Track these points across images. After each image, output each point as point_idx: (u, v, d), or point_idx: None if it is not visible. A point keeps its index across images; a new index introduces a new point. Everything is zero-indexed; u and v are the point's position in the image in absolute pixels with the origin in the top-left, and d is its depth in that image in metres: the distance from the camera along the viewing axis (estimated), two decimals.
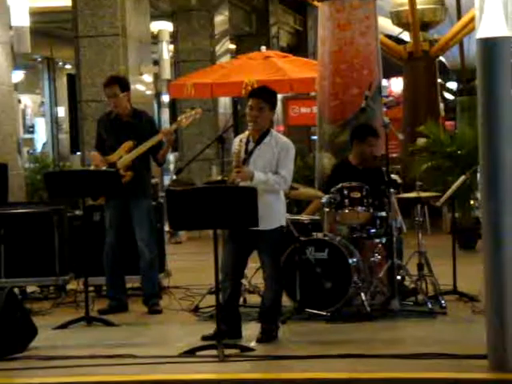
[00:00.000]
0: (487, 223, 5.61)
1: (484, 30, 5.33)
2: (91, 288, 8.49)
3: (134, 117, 8.19)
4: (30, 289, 9.16)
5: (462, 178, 8.87)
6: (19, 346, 6.55)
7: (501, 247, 5.50)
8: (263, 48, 15.06)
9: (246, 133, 6.87)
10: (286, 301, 7.46)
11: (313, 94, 13.96)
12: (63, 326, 7.46)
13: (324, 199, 7.91)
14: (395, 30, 17.72)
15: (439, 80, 17.12)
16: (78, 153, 15.75)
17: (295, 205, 11.18)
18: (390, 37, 16.80)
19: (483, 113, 5.61)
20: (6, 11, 11.76)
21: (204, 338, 6.68)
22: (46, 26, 17.35)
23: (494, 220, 5.52)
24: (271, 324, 6.80)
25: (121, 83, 8.17)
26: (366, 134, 8.09)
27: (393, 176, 8.17)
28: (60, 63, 20.81)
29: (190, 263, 11.00)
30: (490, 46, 5.39)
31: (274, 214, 6.72)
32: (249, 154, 6.78)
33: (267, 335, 6.73)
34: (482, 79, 5.55)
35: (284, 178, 6.74)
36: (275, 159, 6.74)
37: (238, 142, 6.83)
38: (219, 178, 7.39)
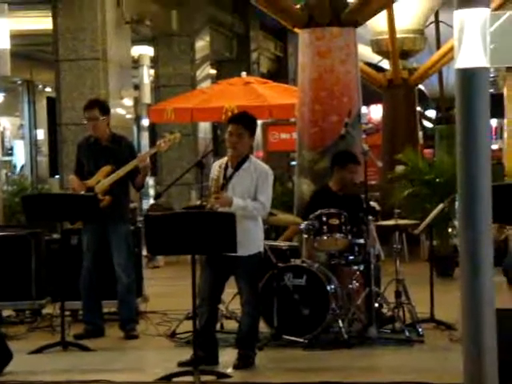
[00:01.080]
0: (465, 251, 5.62)
1: (463, 60, 5.37)
2: (67, 312, 8.43)
3: (113, 141, 8.18)
4: (5, 313, 9.08)
5: (440, 206, 8.91)
6: None
7: (478, 275, 5.51)
8: (244, 74, 15.12)
9: (225, 158, 6.88)
10: (263, 327, 7.44)
11: (292, 120, 14.01)
12: (39, 351, 7.39)
13: (302, 225, 7.91)
14: (375, 58, 17.85)
15: (418, 108, 17.23)
16: (57, 176, 15.70)
17: (274, 231, 11.18)
18: (369, 64, 16.91)
19: (461, 142, 5.63)
20: None
21: (180, 364, 6.64)
22: (26, 49, 17.34)
23: (472, 248, 5.53)
24: (248, 350, 6.78)
25: (101, 107, 8.17)
26: (347, 160, 8.12)
27: (371, 203, 8.20)
28: (40, 86, 20.79)
29: (168, 288, 10.96)
30: (468, 75, 5.43)
31: (252, 239, 6.72)
32: (227, 179, 6.79)
33: (244, 361, 6.71)
34: (461, 108, 5.59)
35: (263, 205, 6.74)
36: (254, 185, 6.74)
37: (216, 168, 6.83)
38: (198, 202, 7.39)
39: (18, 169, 20.43)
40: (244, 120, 6.90)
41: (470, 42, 5.25)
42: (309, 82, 8.97)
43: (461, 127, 5.63)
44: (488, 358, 5.43)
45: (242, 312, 6.94)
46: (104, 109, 8.18)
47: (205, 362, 6.56)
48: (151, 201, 18.27)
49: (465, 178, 5.67)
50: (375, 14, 10.10)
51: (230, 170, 6.82)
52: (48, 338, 7.79)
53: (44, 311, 8.96)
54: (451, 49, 13.75)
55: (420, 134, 17.85)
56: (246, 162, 6.81)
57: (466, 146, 5.62)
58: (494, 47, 5.62)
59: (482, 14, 5.12)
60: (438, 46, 17.01)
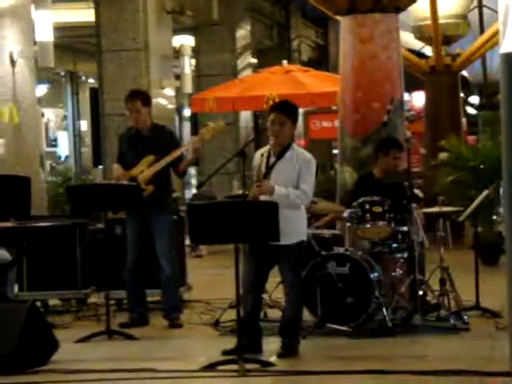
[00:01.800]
0: (510, 239, 5.55)
1: (508, 45, 5.29)
2: (112, 301, 8.49)
3: (155, 131, 8.21)
4: (51, 302, 9.18)
5: (485, 192, 8.82)
6: (41, 359, 6.56)
7: None
8: (285, 62, 15.08)
9: (267, 147, 6.86)
10: (307, 315, 7.43)
11: (334, 108, 13.96)
12: (84, 340, 7.46)
13: (345, 214, 7.88)
14: (417, 45, 17.70)
15: (461, 94, 17.06)
16: (100, 166, 15.82)
17: (316, 219, 11.14)
18: (412, 51, 16.77)
19: (506, 127, 5.56)
20: (31, 26, 11.86)
21: (225, 353, 6.65)
22: (69, 41, 17.47)
23: None
24: (292, 339, 6.77)
25: (143, 98, 8.20)
26: (391, 146, 8.08)
27: (415, 191, 8.13)
28: (83, 77, 20.93)
29: (211, 277, 11.00)
30: None
31: (294, 228, 6.70)
32: (270, 168, 6.77)
33: (288, 350, 6.71)
34: (506, 94, 5.51)
35: (305, 193, 6.71)
36: (296, 174, 6.71)
37: (259, 157, 6.82)
38: (240, 192, 7.40)
39: (63, 159, 20.60)
40: (286, 108, 6.87)
41: None
42: (351, 69, 8.92)
43: (505, 113, 5.56)
44: None
45: (285, 301, 6.93)
46: (146, 99, 8.20)
47: (249, 350, 6.56)
48: (193, 190, 18.34)
49: (510, 164, 5.59)
50: (417, 0, 10.01)
51: (272, 159, 6.80)
52: (93, 327, 7.86)
53: (89, 300, 9.05)
54: (495, 34, 13.59)
55: (463, 120, 17.66)
56: (289, 150, 6.78)
57: (510, 133, 5.55)
58: None
59: None
60: (482, 31, 16.81)
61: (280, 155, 6.77)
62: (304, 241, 6.85)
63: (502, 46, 5.37)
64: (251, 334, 6.74)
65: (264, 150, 6.87)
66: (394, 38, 8.96)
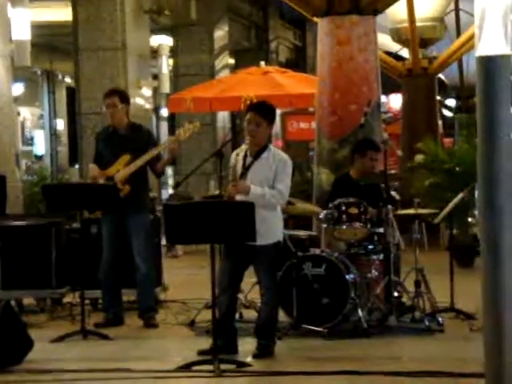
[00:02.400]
0: (485, 241, 5.59)
1: (484, 48, 5.33)
2: (87, 301, 8.46)
3: (132, 130, 8.20)
4: (26, 301, 9.13)
5: (460, 195, 8.87)
6: (16, 359, 6.52)
7: (499, 265, 5.48)
8: (262, 63, 15.10)
9: (243, 147, 6.86)
10: (282, 316, 7.44)
11: (311, 109, 13.98)
12: (59, 339, 7.43)
13: (321, 215, 7.90)
14: (394, 47, 17.77)
15: (438, 97, 17.16)
16: (77, 165, 15.75)
17: (292, 220, 11.16)
18: (389, 53, 16.84)
19: (482, 130, 5.60)
20: (7, 24, 11.78)
21: (200, 353, 6.65)
22: (46, 39, 17.39)
23: (493, 238, 5.50)
24: (268, 340, 6.78)
25: (121, 95, 8.23)
26: (367, 147, 8.11)
27: (391, 193, 8.16)
28: (59, 76, 20.84)
29: (187, 277, 10.98)
30: (489, 63, 5.39)
31: (270, 228, 6.71)
32: (246, 168, 6.77)
33: (264, 351, 6.71)
34: (482, 97, 5.55)
35: (281, 193, 6.72)
36: (273, 174, 6.73)
37: (234, 156, 6.83)
38: (217, 192, 7.40)
39: (38, 157, 20.49)
40: (262, 108, 6.88)
41: (491, 30, 5.21)
42: (328, 71, 8.95)
43: (481, 116, 5.60)
44: (509, 348, 5.41)
45: (261, 302, 6.93)
46: (123, 97, 8.21)
47: (224, 350, 6.56)
48: (170, 190, 18.31)
49: (485, 167, 5.63)
50: (395, 2, 10.06)
51: (249, 159, 6.81)
52: (68, 327, 7.83)
53: (64, 300, 9.01)
54: (471, 37, 13.66)
55: (440, 123, 17.75)
56: (266, 151, 6.80)
57: (486, 135, 5.58)
58: None
59: (503, 0, 5.07)
60: (458, 34, 16.90)
61: (256, 155, 6.78)
62: (280, 241, 6.86)
63: (477, 49, 5.40)
64: (227, 334, 6.74)
65: (240, 150, 6.88)
66: (371, 40, 9.00)
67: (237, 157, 6.80)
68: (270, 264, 6.78)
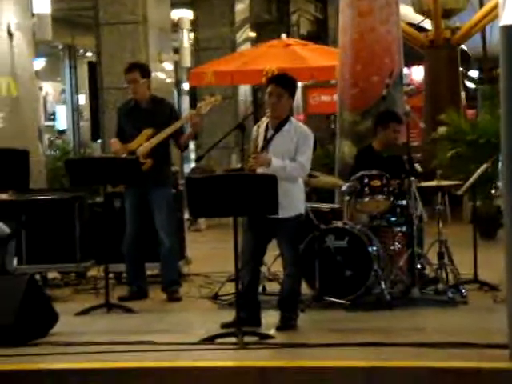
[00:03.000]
0: (509, 213, 5.57)
1: (508, 18, 5.27)
2: (111, 275, 8.51)
3: (153, 104, 8.19)
4: (50, 275, 9.20)
5: (483, 166, 8.82)
6: (41, 332, 6.59)
7: None
8: (284, 36, 15.03)
9: (265, 120, 6.84)
10: (305, 289, 7.45)
11: (333, 81, 13.92)
12: (84, 313, 7.49)
13: (344, 187, 7.89)
14: (417, 19, 17.62)
15: (460, 68, 17.01)
16: (99, 140, 15.79)
17: (315, 193, 11.15)
18: (411, 25, 16.70)
19: (506, 101, 5.56)
20: None
21: (224, 326, 6.68)
22: (67, 14, 17.39)
23: None
24: (291, 312, 6.80)
25: (141, 69, 8.21)
26: (390, 119, 8.06)
27: (415, 165, 8.12)
28: (81, 51, 20.85)
29: (210, 251, 11.02)
30: None
31: (292, 201, 6.70)
32: (268, 141, 6.76)
33: (287, 323, 6.73)
34: (505, 67, 5.50)
35: (302, 165, 6.70)
36: (294, 147, 6.70)
37: (256, 129, 6.82)
38: (239, 165, 7.39)
39: (60, 131, 20.56)
40: (283, 80, 6.85)
41: None
42: (350, 43, 8.89)
43: (505, 87, 5.55)
44: None
45: (283, 274, 6.94)
46: (144, 72, 8.20)
47: (248, 323, 6.59)
48: (192, 164, 18.32)
49: (509, 139, 5.60)
50: None
51: (270, 132, 6.79)
52: (92, 300, 7.89)
53: (88, 274, 9.07)
54: (495, 6, 13.52)
55: (463, 94, 17.61)
56: (287, 123, 6.77)
57: (510, 106, 5.55)
58: None
59: None
60: (482, 4, 16.72)
61: (278, 128, 6.76)
62: (302, 214, 6.86)
63: (501, 18, 5.35)
64: (250, 307, 6.76)
65: (261, 122, 6.86)
66: (393, 11, 8.93)
67: (258, 129, 6.79)
68: (292, 237, 6.78)
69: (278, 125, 6.76)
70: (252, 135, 6.83)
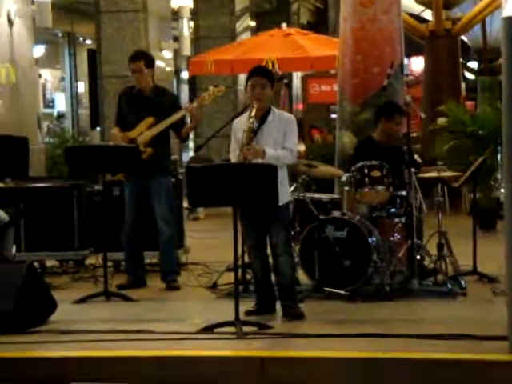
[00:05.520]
0: (509, 204, 5.56)
1: (510, 9, 5.25)
2: (110, 263, 8.50)
3: (156, 93, 8.17)
4: (49, 263, 9.19)
5: (480, 159, 8.81)
6: (39, 320, 6.58)
7: None
8: (284, 25, 14.98)
9: (246, 115, 6.86)
10: (304, 279, 7.44)
11: (333, 72, 13.89)
12: (82, 301, 7.48)
13: (344, 177, 7.87)
14: (417, 9, 17.58)
15: (460, 59, 16.98)
16: (98, 128, 15.75)
17: (314, 183, 11.14)
18: (411, 15, 16.66)
19: (507, 93, 5.54)
20: None
21: (247, 313, 6.71)
22: (67, 1, 17.32)
23: None
24: (294, 299, 6.83)
25: (146, 59, 8.18)
26: (394, 111, 8.03)
27: (414, 156, 8.11)
28: (81, 38, 20.78)
29: (209, 240, 11.01)
30: None
31: (284, 189, 6.73)
32: (255, 132, 6.75)
33: (296, 312, 6.74)
34: (507, 59, 5.48)
35: (291, 151, 6.77)
36: (282, 135, 6.75)
37: (243, 121, 6.79)
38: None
39: (58, 115, 20.48)
40: (264, 72, 7.00)
41: None
42: (351, 32, 8.85)
43: (507, 78, 5.53)
44: None
45: (279, 263, 6.85)
46: (149, 61, 8.18)
47: (265, 311, 6.79)
48: (191, 153, 18.30)
49: (509, 130, 5.58)
50: None
51: (255, 124, 6.79)
52: (91, 288, 7.88)
53: (87, 262, 9.06)
54: None
55: (462, 85, 17.57)
56: (270, 113, 6.82)
57: (511, 98, 5.52)
58: None
59: None
60: None
61: (263, 119, 6.78)
62: (290, 201, 6.95)
63: (504, 9, 5.32)
64: (267, 296, 6.86)
65: (243, 117, 6.87)
66: (394, 1, 8.89)
67: (248, 121, 6.75)
68: (285, 223, 6.83)
69: (263, 116, 6.78)
70: (235, 128, 6.82)
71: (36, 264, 8.26)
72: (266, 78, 6.83)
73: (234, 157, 6.76)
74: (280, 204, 6.59)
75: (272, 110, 6.86)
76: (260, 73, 6.91)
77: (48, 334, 6.36)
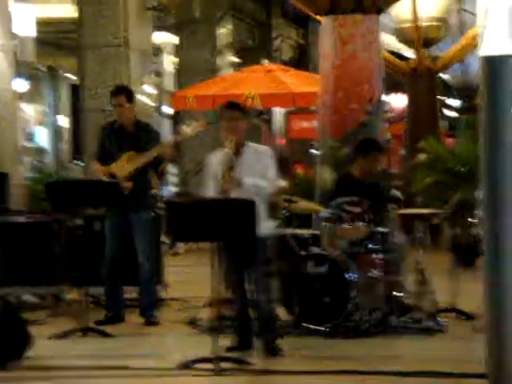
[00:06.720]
0: (488, 241, 5.57)
1: (487, 48, 5.31)
2: (90, 298, 8.45)
3: (138, 128, 8.20)
4: (27, 297, 9.12)
5: (456, 196, 8.85)
6: (15, 355, 6.51)
7: (501, 265, 5.47)
8: (265, 61, 15.06)
9: (219, 151, 6.88)
10: (284, 315, 7.42)
11: (314, 108, 13.96)
12: (60, 336, 7.42)
13: (323, 213, 7.89)
14: (400, 48, 17.76)
15: (439, 97, 17.15)
16: (79, 162, 15.73)
17: (295, 218, 11.15)
18: (392, 53, 16.82)
19: (485, 131, 5.58)
20: (8, 19, 11.76)
21: (228, 349, 6.67)
22: (49, 36, 17.37)
23: (495, 238, 5.49)
24: (273, 335, 6.79)
25: (127, 93, 8.23)
26: (371, 149, 8.03)
27: (394, 192, 8.13)
28: (62, 72, 20.84)
29: (188, 275, 10.97)
30: (493, 63, 5.37)
31: (264, 223, 6.73)
32: (230, 166, 6.77)
33: (274, 348, 6.70)
34: (485, 97, 5.53)
35: (272, 180, 6.79)
36: (262, 166, 6.76)
37: (218, 156, 6.81)
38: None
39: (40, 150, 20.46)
40: (237, 106, 7.04)
41: (495, 29, 5.19)
42: (331, 69, 8.94)
43: (484, 117, 5.57)
44: (510, 348, 5.40)
45: (258, 299, 6.81)
46: (130, 95, 8.24)
47: (242, 347, 6.73)
48: (172, 188, 18.28)
49: (488, 168, 5.61)
50: (398, 1, 10.04)
51: (232, 158, 6.81)
52: (69, 324, 7.82)
53: (66, 296, 9.00)
54: (474, 37, 13.63)
55: (444, 123, 17.72)
56: (245, 146, 6.85)
57: (489, 136, 5.56)
58: None
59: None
60: (462, 34, 16.86)
61: (238, 151, 6.80)
62: (271, 233, 6.92)
63: (480, 49, 5.38)
64: (244, 332, 6.80)
65: (217, 152, 6.89)
66: (374, 38, 8.99)
67: (224, 154, 6.78)
68: (266, 255, 6.81)
69: (238, 150, 6.81)
70: (209, 164, 6.84)
71: (13, 299, 8.20)
72: (239, 112, 6.89)
73: (208, 192, 6.77)
74: (259, 237, 6.60)
75: (247, 143, 6.90)
76: (233, 107, 6.96)
77: (24, 370, 6.29)
